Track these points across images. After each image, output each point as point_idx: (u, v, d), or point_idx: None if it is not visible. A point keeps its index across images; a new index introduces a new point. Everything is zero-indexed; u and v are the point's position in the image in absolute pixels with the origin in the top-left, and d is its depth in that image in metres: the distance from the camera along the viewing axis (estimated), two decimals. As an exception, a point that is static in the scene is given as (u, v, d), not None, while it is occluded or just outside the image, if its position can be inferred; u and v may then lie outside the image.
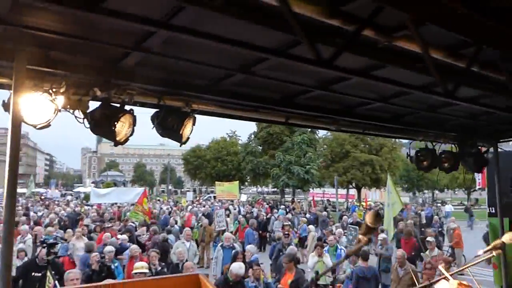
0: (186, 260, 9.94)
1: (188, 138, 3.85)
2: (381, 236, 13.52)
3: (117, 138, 3.42)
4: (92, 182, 78.65)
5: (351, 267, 9.36)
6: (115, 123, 3.31)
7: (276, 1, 2.07)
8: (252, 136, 54.66)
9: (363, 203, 35.02)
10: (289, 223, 18.00)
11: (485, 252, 2.89)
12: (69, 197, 49.41)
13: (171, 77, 3.42)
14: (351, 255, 3.12)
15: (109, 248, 9.66)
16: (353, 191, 50.99)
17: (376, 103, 4.24)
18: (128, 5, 2.31)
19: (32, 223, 16.74)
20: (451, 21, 2.09)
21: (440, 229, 18.95)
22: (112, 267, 9.03)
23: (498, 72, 2.93)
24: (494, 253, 2.85)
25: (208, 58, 3.04)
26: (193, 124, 3.84)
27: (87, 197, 38.35)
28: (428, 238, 12.09)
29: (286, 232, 12.53)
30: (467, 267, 3.03)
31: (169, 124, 3.62)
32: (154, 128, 3.71)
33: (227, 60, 3.16)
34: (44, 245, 8.62)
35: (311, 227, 17.31)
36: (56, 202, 36.79)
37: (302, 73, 3.33)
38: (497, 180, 6.41)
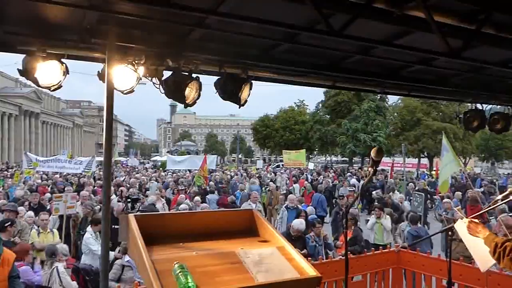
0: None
1: (246, 101, 4.47)
2: (446, 201, 13.55)
3: (187, 101, 4.13)
4: (168, 152, 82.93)
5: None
6: (185, 88, 4.02)
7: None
8: (320, 105, 54.55)
9: (434, 172, 34.06)
10: (354, 189, 18.36)
11: (503, 197, 3.24)
12: (147, 165, 52.90)
13: (229, 48, 4.04)
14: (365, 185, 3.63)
15: (183, 206, 10.96)
16: (425, 161, 49.53)
17: (417, 65, 4.56)
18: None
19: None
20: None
21: (515, 199, 18.32)
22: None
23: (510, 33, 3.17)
24: (511, 197, 3.19)
25: (256, 31, 3.60)
26: (250, 89, 4.45)
27: (163, 165, 40.79)
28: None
29: (341, 194, 12.98)
30: (485, 211, 3.40)
31: (229, 89, 4.27)
32: (217, 92, 4.37)
33: (273, 32, 3.70)
34: (129, 200, 9.89)
35: (376, 192, 17.57)
36: (136, 169, 39.73)
37: (341, 41, 3.75)
38: None
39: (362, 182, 24.25)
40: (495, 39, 3.40)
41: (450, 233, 3.61)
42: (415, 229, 9.36)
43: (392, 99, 50.01)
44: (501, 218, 7.29)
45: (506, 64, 4.37)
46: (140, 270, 2.56)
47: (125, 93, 3.90)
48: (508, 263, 2.72)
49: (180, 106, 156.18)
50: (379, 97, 46.52)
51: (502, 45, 3.64)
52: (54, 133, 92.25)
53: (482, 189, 21.37)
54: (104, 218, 3.45)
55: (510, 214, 15.04)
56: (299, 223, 8.58)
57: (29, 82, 3.62)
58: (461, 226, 3.23)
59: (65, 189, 15.42)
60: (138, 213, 9.40)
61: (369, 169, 2.71)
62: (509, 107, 6.15)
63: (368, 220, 11.16)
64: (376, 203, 13.03)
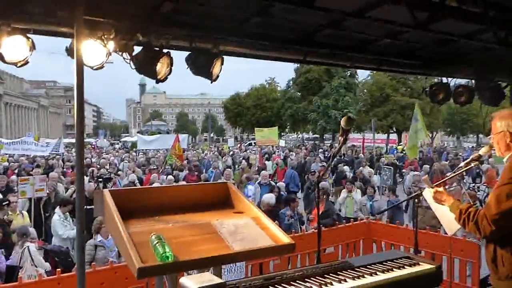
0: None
1: (217, 76, 4.47)
2: (415, 173, 13.97)
3: (158, 77, 4.11)
4: (138, 132, 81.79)
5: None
6: (156, 63, 3.99)
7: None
8: (291, 82, 54.70)
9: (402, 146, 34.93)
10: (325, 164, 18.68)
11: (465, 164, 3.40)
12: (117, 146, 52.21)
13: (200, 22, 4.01)
14: (336, 154, 3.72)
15: (156, 184, 10.97)
16: (394, 136, 50.69)
17: (385, 39, 4.66)
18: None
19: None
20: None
21: (477, 170, 19.09)
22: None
23: (474, 6, 3.30)
24: (472, 165, 3.35)
25: (227, 3, 3.59)
26: (222, 64, 4.45)
27: (133, 145, 40.29)
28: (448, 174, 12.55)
29: (313, 170, 13.25)
30: (451, 177, 3.58)
31: (201, 64, 4.26)
32: (188, 68, 4.34)
33: (245, 4, 3.70)
34: (100, 180, 9.78)
35: (346, 167, 17.96)
36: (106, 150, 39.15)
37: (314, 14, 3.79)
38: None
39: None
40: (458, 11, 3.51)
41: (416, 200, 3.78)
42: (393, 200, 9.86)
43: (361, 76, 50.70)
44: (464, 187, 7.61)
45: (469, 36, 4.53)
46: (118, 242, 2.59)
47: (95, 69, 3.84)
48: (472, 227, 2.86)
49: (149, 86, 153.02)
50: (349, 74, 47.03)
51: (464, 18, 3.76)
52: (18, 115, 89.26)
53: (448, 162, 22.10)
54: (79, 196, 3.43)
55: (472, 184, 15.68)
56: (269, 197, 8.74)
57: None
58: (428, 194, 3.37)
59: (33, 171, 15.07)
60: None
61: (340, 138, 2.79)
62: (472, 80, 6.37)
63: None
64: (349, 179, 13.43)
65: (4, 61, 3.39)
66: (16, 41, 3.40)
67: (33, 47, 3.50)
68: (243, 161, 21.58)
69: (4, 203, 7.81)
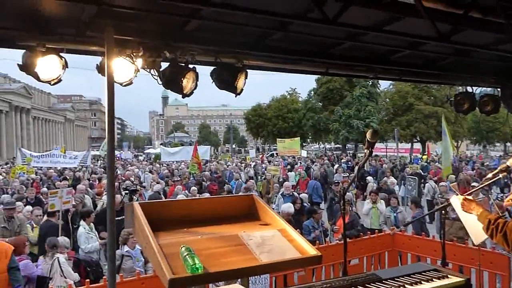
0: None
1: (242, 90, 4.56)
2: (442, 184, 13.72)
3: (184, 92, 4.22)
4: (161, 144, 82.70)
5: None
6: (182, 79, 4.10)
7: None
8: (312, 92, 54.60)
9: (426, 156, 34.37)
10: (347, 175, 18.55)
11: (493, 175, 3.36)
12: (140, 157, 52.96)
13: (224, 38, 4.12)
14: (361, 166, 3.67)
15: (180, 196, 11.10)
16: (418, 145, 49.92)
17: (406, 50, 4.67)
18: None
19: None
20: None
21: (506, 180, 18.64)
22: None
23: (497, 16, 3.29)
24: (500, 176, 3.32)
25: (250, 20, 3.69)
26: (245, 78, 4.54)
27: (157, 157, 40.77)
28: (473, 183, 12.29)
29: (336, 181, 13.23)
30: (478, 188, 3.56)
31: (225, 78, 4.35)
32: (213, 82, 4.45)
33: (266, 21, 3.79)
34: (126, 191, 9.97)
35: (370, 178, 17.80)
36: (130, 161, 39.75)
37: (333, 29, 3.86)
38: None
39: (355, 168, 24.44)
40: (482, 22, 3.52)
41: (443, 212, 3.74)
42: (417, 213, 9.68)
43: (383, 85, 50.28)
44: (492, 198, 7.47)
45: (492, 46, 4.51)
46: (148, 254, 2.66)
47: (124, 85, 3.98)
48: (500, 239, 2.83)
49: (172, 98, 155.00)
50: (370, 83, 46.74)
51: (488, 28, 3.76)
52: (45, 128, 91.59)
53: (474, 172, 21.65)
54: (110, 206, 3.54)
55: (501, 194, 15.31)
56: (287, 207, 8.83)
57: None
58: (456, 201, 3.35)
59: (60, 183, 15.41)
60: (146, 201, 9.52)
61: (365, 150, 2.83)
62: (498, 89, 6.29)
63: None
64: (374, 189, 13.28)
65: (39, 80, 3.54)
66: (50, 60, 3.56)
67: (65, 65, 3.65)
68: (266, 172, 21.56)
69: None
